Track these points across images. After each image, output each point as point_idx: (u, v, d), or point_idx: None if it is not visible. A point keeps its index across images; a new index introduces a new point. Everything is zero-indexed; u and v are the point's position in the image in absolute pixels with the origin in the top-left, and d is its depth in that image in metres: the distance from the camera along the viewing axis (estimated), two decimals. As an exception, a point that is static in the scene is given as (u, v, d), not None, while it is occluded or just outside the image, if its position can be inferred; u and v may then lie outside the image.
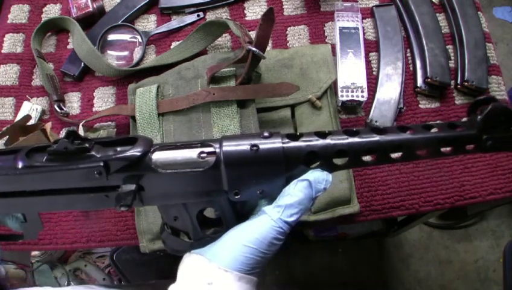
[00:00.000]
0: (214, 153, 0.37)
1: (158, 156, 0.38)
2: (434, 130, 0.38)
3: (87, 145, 0.38)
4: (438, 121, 0.75)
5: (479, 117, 0.37)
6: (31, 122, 0.77)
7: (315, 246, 1.51)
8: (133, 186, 0.37)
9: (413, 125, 0.38)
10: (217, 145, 0.38)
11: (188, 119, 0.69)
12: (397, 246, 1.52)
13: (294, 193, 0.38)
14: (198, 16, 0.85)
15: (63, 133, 0.79)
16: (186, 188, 0.39)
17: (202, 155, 0.38)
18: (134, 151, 0.37)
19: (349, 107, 0.76)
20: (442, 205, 0.70)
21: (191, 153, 0.38)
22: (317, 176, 0.38)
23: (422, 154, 0.38)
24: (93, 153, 0.38)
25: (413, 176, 0.72)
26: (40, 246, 0.74)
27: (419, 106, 0.77)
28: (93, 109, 0.80)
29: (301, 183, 0.38)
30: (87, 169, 0.37)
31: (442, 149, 0.38)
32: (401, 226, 1.30)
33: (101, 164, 0.36)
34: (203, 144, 0.38)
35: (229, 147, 0.37)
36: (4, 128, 0.71)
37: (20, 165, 0.38)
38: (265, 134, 0.38)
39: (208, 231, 0.43)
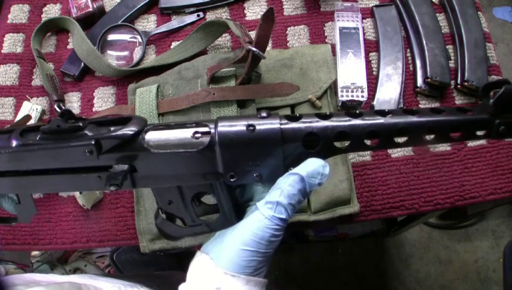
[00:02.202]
0: (208, 133, 0.36)
1: (151, 136, 0.37)
2: (443, 114, 0.36)
3: (80, 124, 0.37)
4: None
5: (491, 100, 0.35)
6: (31, 122, 0.77)
7: (315, 246, 1.51)
8: (125, 167, 0.36)
9: (421, 109, 0.36)
10: (212, 126, 0.36)
11: (188, 119, 0.69)
12: (397, 246, 1.52)
13: (285, 187, 0.36)
14: (198, 16, 0.85)
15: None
16: (180, 170, 0.37)
17: (196, 135, 0.36)
18: (127, 130, 0.36)
19: (349, 107, 0.76)
20: (442, 205, 0.70)
21: (185, 133, 0.37)
22: (311, 169, 0.36)
23: (429, 140, 0.36)
24: (86, 132, 0.37)
25: (413, 176, 0.72)
26: (40, 246, 0.74)
27: (419, 106, 0.76)
28: (93, 109, 0.80)
29: (292, 177, 0.36)
30: (78, 147, 0.36)
31: (451, 134, 0.36)
32: (401, 226, 1.30)
33: (92, 142, 0.36)
34: (198, 124, 0.37)
35: (224, 127, 0.36)
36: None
37: (14, 143, 0.38)
38: (263, 114, 0.36)
39: (204, 217, 0.42)
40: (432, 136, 0.36)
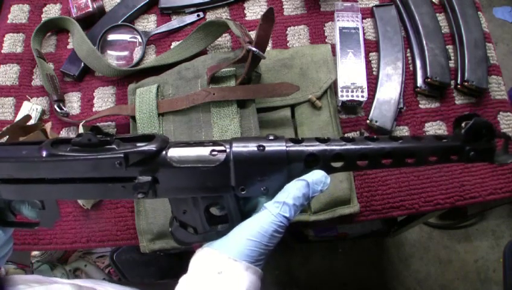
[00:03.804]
0: (224, 151, 0.41)
1: (173, 152, 0.42)
2: (422, 141, 0.42)
3: (108, 139, 0.42)
4: (438, 121, 0.76)
5: (463, 130, 0.41)
6: (31, 122, 0.77)
7: (315, 246, 1.51)
8: (149, 178, 0.41)
9: (404, 136, 0.43)
10: (228, 145, 0.41)
11: (188, 119, 0.69)
12: (397, 246, 1.52)
13: (292, 191, 0.41)
14: (198, 16, 0.85)
15: (63, 133, 0.79)
16: (197, 183, 0.42)
17: (213, 153, 0.41)
18: (152, 146, 0.41)
19: (349, 107, 0.76)
20: (442, 205, 0.70)
21: (203, 151, 0.42)
22: (316, 178, 0.41)
23: (410, 162, 0.42)
24: (113, 146, 0.41)
25: (413, 176, 0.72)
26: (40, 246, 0.74)
27: (419, 106, 0.77)
28: (93, 109, 0.80)
29: (300, 182, 0.41)
30: (108, 159, 0.40)
31: (429, 158, 0.42)
32: (401, 226, 1.30)
33: (122, 155, 0.40)
34: (215, 143, 0.42)
35: (238, 146, 0.41)
36: (4, 128, 0.71)
37: (44, 154, 0.41)
38: (271, 137, 0.42)
39: (214, 226, 0.45)
40: (413, 159, 0.42)
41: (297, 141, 0.42)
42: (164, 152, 0.41)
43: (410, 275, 1.49)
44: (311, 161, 0.41)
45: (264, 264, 0.42)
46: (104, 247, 1.14)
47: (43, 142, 0.43)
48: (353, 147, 0.41)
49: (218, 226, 0.45)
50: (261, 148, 0.41)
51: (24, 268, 1.18)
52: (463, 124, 0.42)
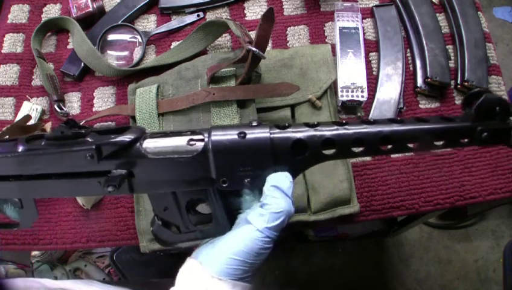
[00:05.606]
0: (202, 140, 0.38)
1: (149, 143, 0.39)
2: (427, 122, 0.37)
3: (83, 131, 0.40)
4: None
5: (473, 108, 0.36)
6: (31, 122, 0.77)
7: (315, 246, 1.51)
8: (123, 171, 0.39)
9: (406, 118, 0.38)
10: (206, 134, 0.39)
11: (188, 119, 0.69)
12: (397, 246, 1.52)
13: (271, 200, 0.38)
14: (198, 16, 0.85)
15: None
16: (175, 176, 0.39)
17: (191, 142, 0.39)
18: (126, 137, 0.39)
19: (349, 107, 0.76)
20: (442, 205, 0.70)
21: (181, 141, 0.39)
22: (276, 176, 0.38)
23: (414, 147, 0.38)
24: (88, 139, 0.39)
25: (413, 176, 0.72)
26: (40, 246, 0.74)
27: (419, 106, 0.77)
28: (93, 109, 0.80)
29: (272, 188, 0.38)
30: (80, 151, 0.38)
31: (435, 142, 0.37)
32: (401, 226, 1.30)
33: (93, 147, 0.38)
34: (193, 132, 0.39)
35: (217, 134, 0.38)
36: (4, 128, 0.71)
37: (20, 149, 0.40)
38: (254, 123, 0.39)
39: (198, 225, 0.43)
40: (417, 144, 0.37)
41: (282, 126, 0.38)
42: (139, 143, 0.39)
43: (410, 275, 1.49)
44: (298, 148, 0.37)
45: (255, 276, 0.39)
46: (104, 247, 1.14)
47: (18, 139, 0.42)
48: (346, 131, 0.37)
49: (202, 225, 0.43)
50: (242, 135, 0.37)
51: (24, 268, 1.18)
52: (473, 104, 0.37)
